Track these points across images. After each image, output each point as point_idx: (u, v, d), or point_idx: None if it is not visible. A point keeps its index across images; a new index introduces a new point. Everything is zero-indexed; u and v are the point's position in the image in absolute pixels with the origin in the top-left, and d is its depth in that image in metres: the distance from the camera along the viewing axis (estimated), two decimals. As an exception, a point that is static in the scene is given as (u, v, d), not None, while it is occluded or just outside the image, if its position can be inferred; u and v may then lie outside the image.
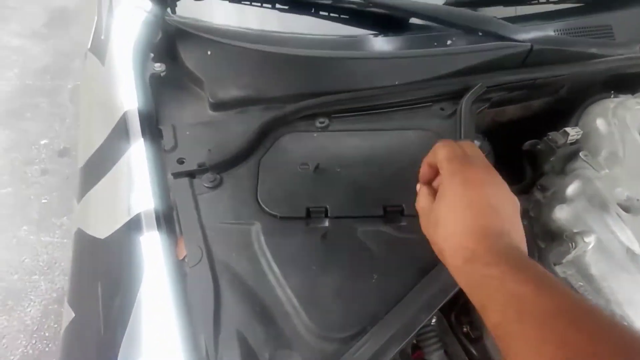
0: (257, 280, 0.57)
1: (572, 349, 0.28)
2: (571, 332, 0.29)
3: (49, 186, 2.05)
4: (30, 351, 1.53)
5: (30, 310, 1.63)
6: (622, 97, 0.92)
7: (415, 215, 0.68)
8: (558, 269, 0.69)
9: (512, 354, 0.32)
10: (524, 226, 0.77)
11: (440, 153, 0.47)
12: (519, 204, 0.45)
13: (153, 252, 0.55)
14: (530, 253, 0.71)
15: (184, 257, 0.57)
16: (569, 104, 0.99)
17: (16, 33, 2.84)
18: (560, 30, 0.93)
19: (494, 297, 0.34)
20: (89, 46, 0.88)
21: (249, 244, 0.60)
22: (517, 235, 0.42)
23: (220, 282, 0.56)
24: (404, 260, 0.60)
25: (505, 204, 0.43)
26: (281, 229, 0.62)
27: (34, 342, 1.56)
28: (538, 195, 0.79)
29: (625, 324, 0.34)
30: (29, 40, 2.79)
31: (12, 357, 1.51)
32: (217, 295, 0.55)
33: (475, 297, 0.37)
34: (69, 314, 0.58)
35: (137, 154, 0.63)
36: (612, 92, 0.94)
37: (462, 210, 0.41)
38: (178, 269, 0.56)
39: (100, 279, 0.58)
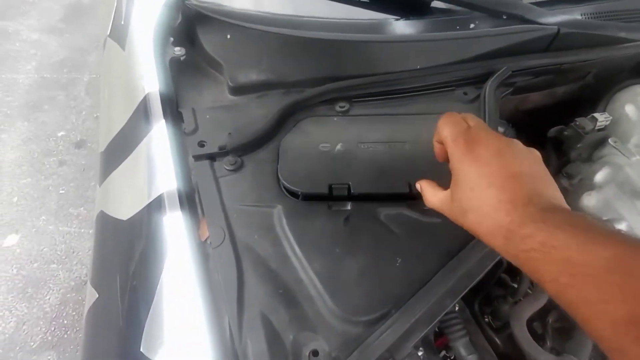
0: (279, 262, 0.57)
1: (636, 299, 0.26)
2: (631, 283, 0.27)
3: (66, 177, 2.08)
4: (50, 337, 1.56)
5: (49, 298, 1.66)
6: (652, 83, 0.88)
7: None
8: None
9: (581, 321, 0.30)
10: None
11: (444, 131, 0.45)
12: (538, 154, 0.43)
13: (176, 232, 0.55)
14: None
15: (207, 239, 0.57)
16: (595, 91, 0.96)
17: (34, 28, 2.88)
18: (587, 14, 0.90)
19: (543, 270, 0.32)
20: (108, 32, 0.89)
21: (271, 227, 0.60)
22: (548, 189, 0.40)
23: (243, 264, 0.56)
24: (428, 244, 0.59)
25: (523, 164, 0.40)
26: (303, 212, 0.61)
27: (52, 329, 1.58)
28: (564, 183, 0.77)
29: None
30: (46, 35, 2.83)
31: (32, 343, 1.54)
32: (240, 277, 0.55)
33: (528, 274, 0.35)
34: (92, 295, 0.59)
35: (159, 136, 0.63)
36: (641, 77, 0.91)
37: (483, 191, 0.39)
38: (201, 250, 0.56)
39: (124, 260, 0.58)
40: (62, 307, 1.63)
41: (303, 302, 0.54)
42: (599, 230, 0.32)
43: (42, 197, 1.99)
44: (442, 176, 0.53)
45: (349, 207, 0.62)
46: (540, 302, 0.58)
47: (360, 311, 0.53)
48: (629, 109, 0.82)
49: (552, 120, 0.97)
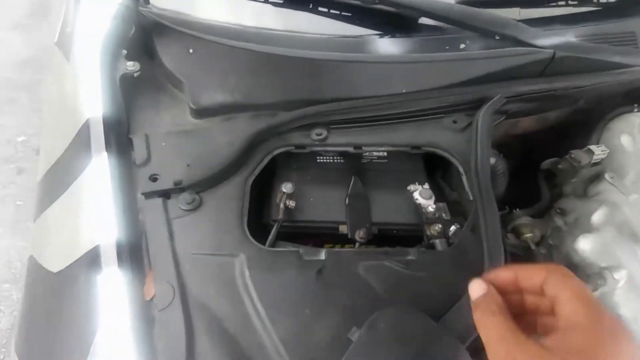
0: (239, 325, 0.48)
1: None
2: None
3: (25, 186, 1.92)
4: (-2, 366, 1.42)
5: (-1, 322, 1.52)
6: (647, 112, 0.84)
7: (425, 248, 0.60)
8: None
9: None
10: (542, 256, 0.70)
11: (567, 291, 0.35)
12: None
13: (113, 292, 0.45)
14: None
15: (152, 297, 0.48)
16: (587, 116, 0.90)
17: (-4, 23, 2.69)
18: (581, 36, 0.85)
19: None
20: (55, 39, 0.78)
21: (231, 280, 0.51)
22: None
23: (195, 329, 0.47)
24: (413, 302, 0.52)
25: None
26: (270, 262, 0.53)
27: (1, 357, 1.44)
28: (558, 220, 0.71)
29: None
30: (9, 32, 2.65)
31: (-23, 373, 1.40)
32: (191, 345, 0.46)
33: None
34: (13, 362, 0.49)
35: (100, 170, 0.53)
36: (636, 105, 0.86)
37: None
38: (144, 312, 0.47)
39: (51, 325, 0.48)
40: (14, 332, 1.49)
41: (266, 375, 0.46)
42: None
43: (-4, 208, 1.83)
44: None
45: (323, 257, 0.54)
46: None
47: (332, 387, 0.45)
48: (625, 140, 0.77)
49: (543, 146, 0.91)
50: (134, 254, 0.50)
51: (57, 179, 0.59)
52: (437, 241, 0.60)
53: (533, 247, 0.68)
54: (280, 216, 0.59)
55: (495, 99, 0.70)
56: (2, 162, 2.01)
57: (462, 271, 0.55)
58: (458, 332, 0.48)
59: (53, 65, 0.79)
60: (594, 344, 0.32)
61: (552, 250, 0.69)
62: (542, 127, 0.91)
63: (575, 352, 0.32)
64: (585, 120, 0.90)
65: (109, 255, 0.46)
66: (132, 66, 0.66)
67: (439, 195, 0.68)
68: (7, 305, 1.56)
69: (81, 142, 0.57)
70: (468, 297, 0.51)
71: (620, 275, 0.60)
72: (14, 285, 1.62)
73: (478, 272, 0.54)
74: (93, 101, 0.59)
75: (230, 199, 0.58)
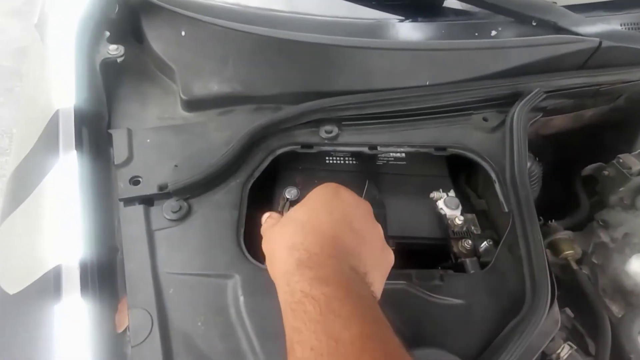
0: (231, 365, 0.39)
1: None
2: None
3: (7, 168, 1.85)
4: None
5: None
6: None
7: (452, 269, 0.52)
8: None
9: None
10: (584, 273, 0.61)
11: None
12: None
13: (74, 324, 0.37)
14: (599, 315, 0.54)
15: (125, 329, 0.39)
16: (625, 115, 0.81)
17: (-6, 9, 2.61)
18: (627, 25, 0.75)
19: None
20: (35, 20, 0.69)
21: (223, 308, 0.43)
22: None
23: (176, 369, 0.39)
24: (439, 336, 0.43)
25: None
26: (269, 286, 0.43)
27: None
28: (603, 236, 0.61)
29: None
30: (6, 18, 2.57)
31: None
32: (171, 391, 0.38)
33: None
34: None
35: (68, 171, 0.45)
36: (688, 104, 0.77)
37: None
38: (114, 348, 0.38)
39: (4, 356, 0.40)
40: None
41: None
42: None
43: (-11, 202, 1.76)
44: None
45: (332, 280, 0.45)
46: None
47: None
48: (680, 144, 0.67)
49: (577, 147, 0.82)
50: (105, 275, 0.42)
51: (23, 181, 0.51)
52: (467, 261, 0.51)
53: (574, 266, 0.59)
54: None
55: (532, 93, 0.61)
56: (-3, 154, 1.93)
57: (500, 299, 0.46)
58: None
59: (31, 50, 0.70)
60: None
61: (596, 270, 0.60)
62: (575, 127, 0.82)
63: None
64: (621, 120, 0.81)
65: (71, 279, 0.38)
66: (115, 50, 0.58)
67: (465, 203, 0.59)
68: None
69: (49, 138, 0.48)
70: (509, 333, 0.42)
71: (681, 304, 0.51)
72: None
73: (518, 299, 0.46)
74: (65, 90, 0.50)
75: (224, 206, 0.49)
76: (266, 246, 0.38)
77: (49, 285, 0.38)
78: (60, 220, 0.42)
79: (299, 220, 0.36)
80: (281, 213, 0.47)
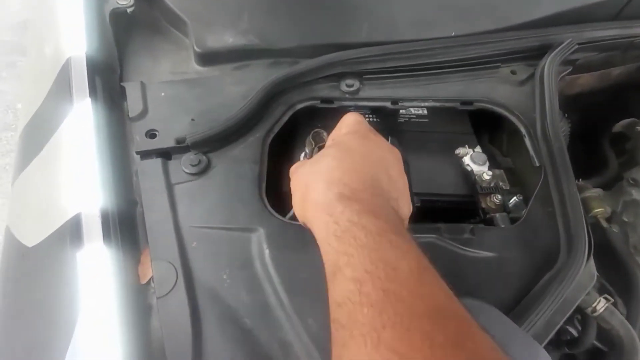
0: (258, 317, 0.39)
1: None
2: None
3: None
4: None
5: None
6: None
7: (482, 224, 0.50)
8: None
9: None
10: (614, 231, 0.59)
11: None
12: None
13: (97, 274, 0.35)
14: (631, 272, 0.53)
15: (149, 281, 0.38)
16: (654, 75, 0.78)
17: (-8, -18, 2.54)
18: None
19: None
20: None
21: (248, 262, 0.41)
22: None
23: (203, 321, 0.38)
24: (470, 290, 0.41)
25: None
26: (296, 239, 0.42)
27: None
28: (635, 193, 0.59)
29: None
30: (6, -9, 2.50)
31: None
32: (198, 342, 0.37)
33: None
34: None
35: (82, 119, 0.43)
36: None
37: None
38: (139, 299, 0.37)
39: (26, 309, 0.39)
40: None
41: (292, 379, 0.36)
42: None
43: (-3, 177, 1.75)
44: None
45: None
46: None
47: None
48: None
49: (602, 108, 0.79)
50: (125, 226, 0.40)
51: (36, 134, 0.49)
52: (496, 215, 0.49)
53: (604, 224, 0.57)
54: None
55: (564, 44, 0.57)
56: (1, 130, 1.91)
57: (533, 253, 0.44)
58: (534, 330, 0.38)
59: (35, 7, 0.67)
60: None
61: (626, 227, 0.58)
62: (602, 86, 0.78)
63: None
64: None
65: (92, 227, 0.36)
66: (124, 0, 0.55)
67: (491, 161, 0.57)
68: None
69: (61, 87, 0.46)
70: (544, 286, 0.41)
71: None
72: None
73: (552, 254, 0.44)
74: (76, 38, 0.47)
75: (244, 161, 0.47)
76: (297, 182, 0.37)
77: (69, 235, 0.37)
78: (78, 170, 0.40)
79: (335, 156, 0.35)
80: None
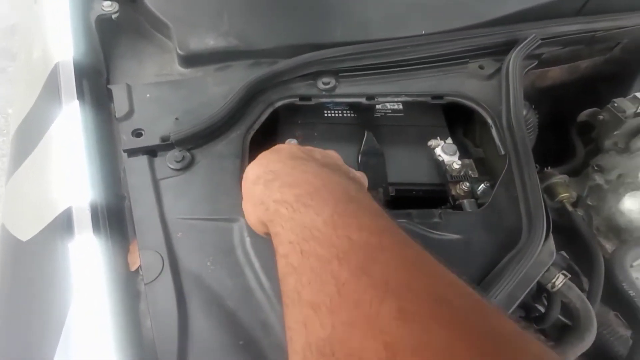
0: (240, 300, 0.41)
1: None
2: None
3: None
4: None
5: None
6: (696, 57, 0.74)
7: (454, 210, 0.53)
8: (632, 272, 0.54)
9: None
10: (578, 214, 0.63)
11: None
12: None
13: (88, 262, 0.38)
14: (594, 252, 0.56)
15: (138, 269, 0.41)
16: (622, 66, 0.82)
17: (-21, -12, 2.54)
18: (623, -29, 0.74)
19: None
20: (25, -17, 0.69)
21: (230, 249, 0.44)
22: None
23: (188, 304, 0.40)
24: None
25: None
26: (274, 228, 0.45)
27: None
28: (598, 178, 0.63)
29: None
30: (-7, -3, 2.50)
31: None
32: (184, 324, 0.39)
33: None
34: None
35: (71, 120, 0.45)
36: (682, 50, 0.77)
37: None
38: (128, 285, 0.40)
39: (22, 300, 0.41)
40: None
41: (273, 356, 0.39)
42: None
43: (-10, 183, 1.76)
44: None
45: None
46: (587, 344, 0.45)
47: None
48: (673, 88, 0.68)
49: (572, 99, 0.83)
50: (114, 219, 0.43)
51: (27, 135, 0.51)
52: (464, 201, 0.52)
53: (570, 208, 0.60)
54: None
55: (528, 39, 0.61)
56: (-7, 135, 1.92)
57: (497, 234, 0.48)
58: (497, 302, 0.42)
59: (23, 10, 0.70)
60: None
61: (590, 211, 0.62)
62: (571, 79, 0.82)
63: None
64: (616, 73, 0.81)
65: (82, 219, 0.39)
66: (109, 6, 0.57)
67: (463, 152, 0.60)
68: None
69: (50, 90, 0.48)
70: (506, 264, 0.44)
71: (673, 238, 0.53)
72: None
73: (515, 235, 0.48)
74: (64, 43, 0.50)
75: (226, 156, 0.50)
76: (243, 203, 0.40)
77: (60, 227, 0.40)
78: (68, 168, 0.43)
79: (253, 164, 0.38)
80: None
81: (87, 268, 0.37)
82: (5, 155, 1.88)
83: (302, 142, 0.57)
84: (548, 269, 0.46)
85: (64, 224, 0.39)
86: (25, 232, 0.43)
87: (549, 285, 0.46)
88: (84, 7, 0.55)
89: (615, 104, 0.63)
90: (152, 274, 0.41)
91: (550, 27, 0.64)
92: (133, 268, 0.41)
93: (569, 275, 0.46)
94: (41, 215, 0.42)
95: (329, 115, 0.63)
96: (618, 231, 0.57)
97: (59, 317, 0.36)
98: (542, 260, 0.45)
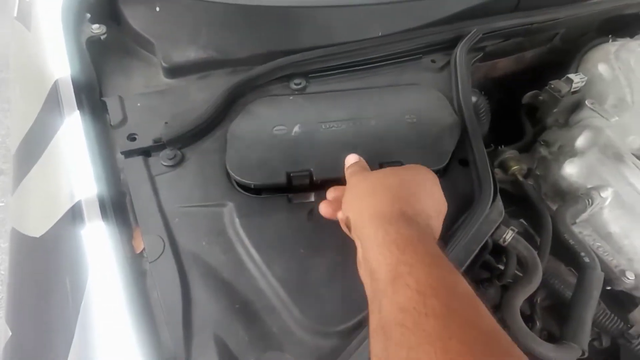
0: (234, 271, 0.48)
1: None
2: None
3: (5, 188, 1.87)
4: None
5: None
6: (622, 41, 0.84)
7: None
8: (574, 229, 0.61)
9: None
10: (528, 183, 0.71)
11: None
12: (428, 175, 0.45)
13: (100, 246, 0.44)
14: (542, 213, 0.64)
15: (142, 251, 0.47)
16: (563, 54, 0.91)
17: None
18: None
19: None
20: (14, 14, 0.74)
21: (222, 230, 0.50)
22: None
23: (188, 278, 0.46)
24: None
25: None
26: (259, 209, 0.52)
27: None
28: (543, 151, 0.71)
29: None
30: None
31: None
32: (186, 294, 0.45)
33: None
34: (5, 333, 0.47)
35: (74, 129, 0.51)
36: (610, 36, 0.87)
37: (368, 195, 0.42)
38: (135, 265, 0.46)
39: (40, 289, 0.47)
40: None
41: (265, 316, 0.45)
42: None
43: (-23, 212, 1.78)
44: (412, 153, 0.50)
45: (312, 199, 0.53)
46: (534, 286, 0.52)
47: (333, 320, 0.45)
48: (602, 68, 0.77)
49: (523, 87, 0.92)
50: (118, 210, 0.49)
51: (32, 147, 0.57)
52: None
53: (521, 179, 0.68)
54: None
55: (470, 34, 0.70)
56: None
57: (453, 203, 0.55)
58: (454, 254, 0.48)
59: (15, 40, 0.75)
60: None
61: (539, 180, 0.70)
62: (520, 68, 0.91)
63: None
64: (560, 61, 0.91)
65: (92, 209, 0.45)
66: (97, 29, 0.64)
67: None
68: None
69: (52, 104, 0.54)
70: (461, 224, 0.51)
71: (607, 194, 0.61)
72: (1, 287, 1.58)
73: (468, 203, 0.55)
74: (60, 64, 0.56)
75: (213, 152, 0.57)
76: (362, 185, 0.43)
77: (73, 218, 0.45)
78: (75, 169, 0.48)
79: (403, 179, 0.42)
80: None
81: (99, 251, 0.43)
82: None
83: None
84: (500, 226, 0.53)
85: (75, 215, 0.45)
86: (38, 229, 0.48)
87: (501, 240, 0.53)
88: (76, 31, 0.62)
89: (552, 86, 0.72)
90: (155, 254, 0.47)
91: (490, 23, 0.73)
92: (138, 251, 0.47)
93: (517, 230, 0.53)
94: (52, 211, 0.47)
95: None
96: (562, 194, 0.65)
97: (77, 294, 0.42)
98: (492, 218, 0.52)
